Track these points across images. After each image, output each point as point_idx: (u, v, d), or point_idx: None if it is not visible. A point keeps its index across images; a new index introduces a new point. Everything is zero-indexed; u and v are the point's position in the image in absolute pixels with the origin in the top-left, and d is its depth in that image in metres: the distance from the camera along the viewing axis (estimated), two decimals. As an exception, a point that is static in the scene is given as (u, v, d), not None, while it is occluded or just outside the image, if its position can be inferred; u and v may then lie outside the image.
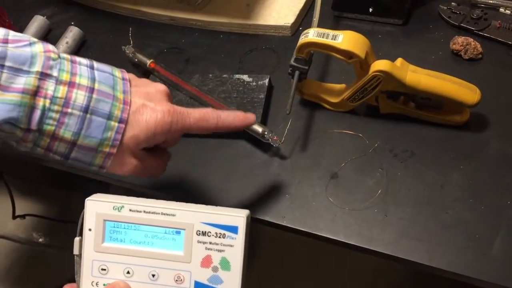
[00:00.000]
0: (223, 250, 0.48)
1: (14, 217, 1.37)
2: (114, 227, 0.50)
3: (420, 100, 0.62)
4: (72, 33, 0.81)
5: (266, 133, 0.63)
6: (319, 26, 0.66)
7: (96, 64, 0.49)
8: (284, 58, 0.74)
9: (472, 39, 0.68)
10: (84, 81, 0.46)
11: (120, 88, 0.48)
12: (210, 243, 0.48)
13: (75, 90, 0.46)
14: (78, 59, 0.48)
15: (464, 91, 0.59)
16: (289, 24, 0.76)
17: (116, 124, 0.47)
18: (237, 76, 0.71)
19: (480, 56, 0.68)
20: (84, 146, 0.47)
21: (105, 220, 0.49)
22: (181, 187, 0.65)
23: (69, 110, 0.45)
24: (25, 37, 0.47)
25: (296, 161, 0.64)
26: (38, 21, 0.84)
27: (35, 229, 1.50)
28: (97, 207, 0.49)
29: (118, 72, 0.50)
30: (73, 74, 0.46)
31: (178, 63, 0.78)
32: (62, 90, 0.45)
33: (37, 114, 0.45)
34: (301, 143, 0.65)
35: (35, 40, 0.47)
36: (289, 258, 1.26)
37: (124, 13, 0.86)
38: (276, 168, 0.64)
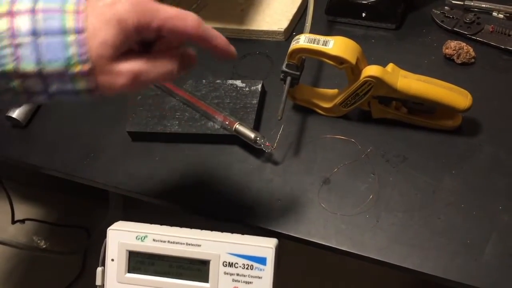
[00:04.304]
0: (251, 282, 0.47)
1: (14, 221, 1.38)
2: (137, 257, 0.49)
3: (412, 105, 0.62)
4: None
5: (258, 138, 0.63)
6: (312, 31, 0.66)
7: None
8: (278, 63, 0.74)
9: (464, 44, 0.68)
10: (24, 6, 0.42)
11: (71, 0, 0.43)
12: (237, 274, 0.47)
13: (16, 17, 0.41)
14: None
15: (455, 96, 0.58)
16: (283, 29, 0.76)
17: (75, 36, 0.41)
18: (230, 81, 0.71)
19: (472, 60, 0.67)
20: (53, 73, 0.42)
21: (128, 251, 0.48)
22: (175, 193, 0.65)
23: (18, 41, 0.41)
24: None
25: (288, 167, 0.64)
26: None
27: (35, 234, 1.50)
28: (120, 237, 0.49)
29: None
30: (12, 2, 0.42)
31: (172, 69, 0.78)
32: (3, 23, 0.41)
33: None
34: (293, 148, 0.65)
35: None
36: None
37: (119, 19, 0.87)
38: (269, 173, 0.64)
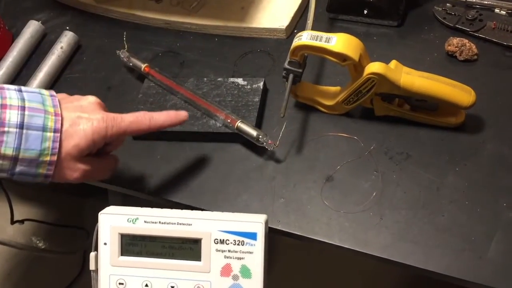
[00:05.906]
0: (242, 258, 0.47)
1: (13, 222, 1.37)
2: (130, 239, 0.49)
3: (415, 102, 0.61)
4: (66, 38, 0.81)
5: (260, 136, 0.62)
6: (313, 28, 0.66)
7: (23, 88, 0.54)
8: (279, 61, 0.74)
9: (467, 40, 0.67)
10: (15, 102, 0.51)
11: (49, 103, 0.53)
12: (229, 251, 0.47)
13: (7, 111, 0.50)
14: (5, 85, 0.53)
15: (458, 93, 0.58)
16: (284, 27, 0.76)
17: (52, 134, 0.52)
18: (231, 79, 0.71)
19: (475, 57, 0.67)
20: (26, 159, 0.51)
21: (120, 234, 0.49)
22: (177, 191, 0.64)
23: (6, 129, 0.50)
24: None
25: (291, 165, 0.63)
26: (33, 26, 0.84)
27: (34, 234, 1.50)
28: (111, 221, 0.49)
29: (45, 91, 0.55)
30: (3, 97, 0.51)
31: (173, 67, 0.77)
32: None
33: None
34: (296, 146, 0.65)
35: None
36: (284, 261, 1.25)
37: (119, 17, 0.86)
38: (271, 171, 0.63)
